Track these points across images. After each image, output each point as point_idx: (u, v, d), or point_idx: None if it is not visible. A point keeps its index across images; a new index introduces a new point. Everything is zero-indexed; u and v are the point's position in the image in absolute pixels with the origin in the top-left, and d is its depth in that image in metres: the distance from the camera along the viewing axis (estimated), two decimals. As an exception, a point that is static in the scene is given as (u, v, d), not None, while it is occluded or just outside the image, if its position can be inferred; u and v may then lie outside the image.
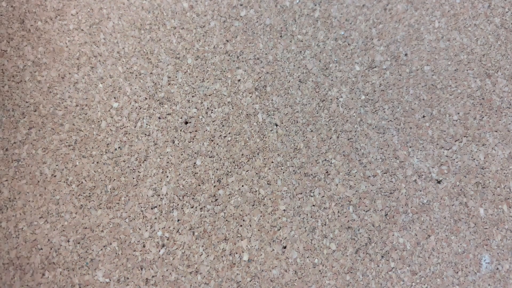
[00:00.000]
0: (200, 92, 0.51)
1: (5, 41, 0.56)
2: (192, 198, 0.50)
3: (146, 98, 0.51)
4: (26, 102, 0.53)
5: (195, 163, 0.51)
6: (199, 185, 0.50)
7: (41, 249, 0.47)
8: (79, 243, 0.47)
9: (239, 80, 0.52)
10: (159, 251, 0.48)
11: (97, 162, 0.50)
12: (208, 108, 0.51)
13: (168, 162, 0.51)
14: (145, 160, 0.50)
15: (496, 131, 0.52)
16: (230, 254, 0.48)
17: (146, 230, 0.48)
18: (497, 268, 0.47)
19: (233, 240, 0.48)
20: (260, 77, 0.51)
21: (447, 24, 0.57)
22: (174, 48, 0.53)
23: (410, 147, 0.51)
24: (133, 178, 0.50)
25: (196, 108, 0.51)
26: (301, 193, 0.50)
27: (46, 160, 0.50)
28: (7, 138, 0.51)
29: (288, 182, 0.51)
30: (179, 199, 0.49)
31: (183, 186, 0.50)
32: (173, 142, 0.52)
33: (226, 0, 0.56)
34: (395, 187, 0.50)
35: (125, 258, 0.47)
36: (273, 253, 0.48)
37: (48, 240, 0.47)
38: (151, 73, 0.52)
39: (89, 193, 0.49)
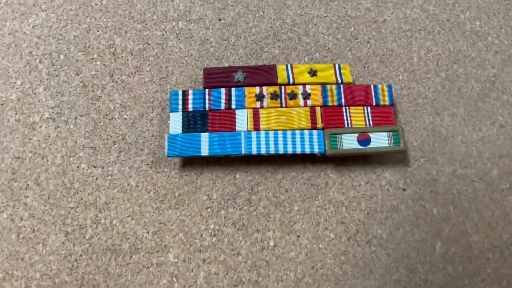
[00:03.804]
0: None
1: (100, 90, 0.68)
2: (234, 202, 0.62)
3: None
4: (116, 133, 0.66)
5: (235, 176, 0.64)
6: (238, 192, 0.62)
7: (129, 238, 0.60)
8: (155, 234, 0.60)
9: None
10: (212, 239, 0.59)
11: (167, 176, 0.64)
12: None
13: (216, 176, 0.64)
14: (201, 174, 0.64)
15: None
16: (261, 241, 0.58)
17: (202, 224, 0.60)
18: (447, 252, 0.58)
19: (263, 231, 0.59)
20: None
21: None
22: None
23: (383, 168, 0.63)
24: (193, 188, 0.63)
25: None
26: (309, 198, 0.60)
27: (132, 175, 0.64)
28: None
29: (300, 190, 0.61)
30: (225, 202, 0.62)
31: (227, 193, 0.63)
32: (220, 162, 0.65)
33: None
34: (374, 193, 0.61)
35: (188, 244, 0.59)
36: (291, 240, 0.57)
37: (133, 232, 0.60)
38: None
39: (162, 198, 0.62)
